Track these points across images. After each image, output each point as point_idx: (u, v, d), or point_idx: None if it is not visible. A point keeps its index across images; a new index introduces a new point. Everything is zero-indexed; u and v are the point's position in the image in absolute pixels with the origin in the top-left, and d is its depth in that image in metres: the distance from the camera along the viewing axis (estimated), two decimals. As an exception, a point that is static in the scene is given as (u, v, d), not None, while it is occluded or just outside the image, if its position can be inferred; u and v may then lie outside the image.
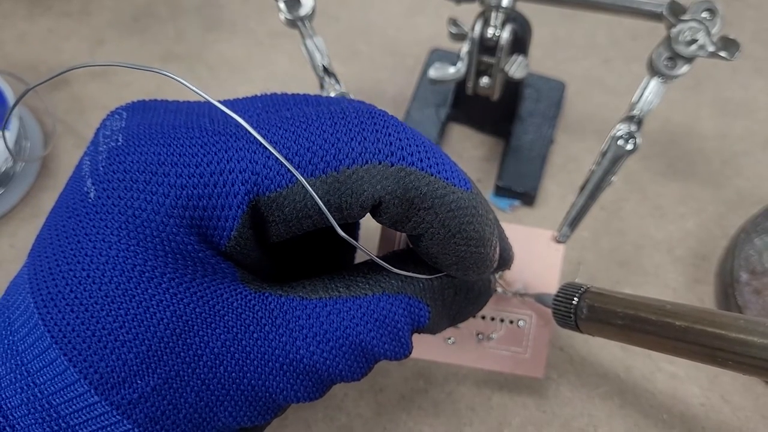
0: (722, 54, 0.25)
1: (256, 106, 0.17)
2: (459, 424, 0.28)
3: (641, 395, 0.28)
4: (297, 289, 0.19)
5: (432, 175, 0.17)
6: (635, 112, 0.26)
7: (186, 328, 0.17)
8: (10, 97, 0.33)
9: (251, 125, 0.16)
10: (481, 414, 0.28)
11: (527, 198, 0.33)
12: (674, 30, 0.25)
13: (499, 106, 0.32)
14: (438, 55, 0.36)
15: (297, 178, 0.16)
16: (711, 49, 0.25)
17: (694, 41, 0.25)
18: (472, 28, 0.28)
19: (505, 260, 0.22)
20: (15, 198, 0.33)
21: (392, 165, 0.17)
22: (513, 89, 0.32)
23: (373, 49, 0.38)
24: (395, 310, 0.19)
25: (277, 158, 0.16)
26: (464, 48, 0.28)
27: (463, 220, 0.18)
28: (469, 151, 0.35)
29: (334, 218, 0.17)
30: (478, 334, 0.25)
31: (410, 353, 0.20)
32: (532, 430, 0.28)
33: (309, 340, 0.18)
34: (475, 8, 0.28)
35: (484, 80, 0.30)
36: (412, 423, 0.27)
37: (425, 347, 0.25)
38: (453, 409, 0.28)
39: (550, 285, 0.25)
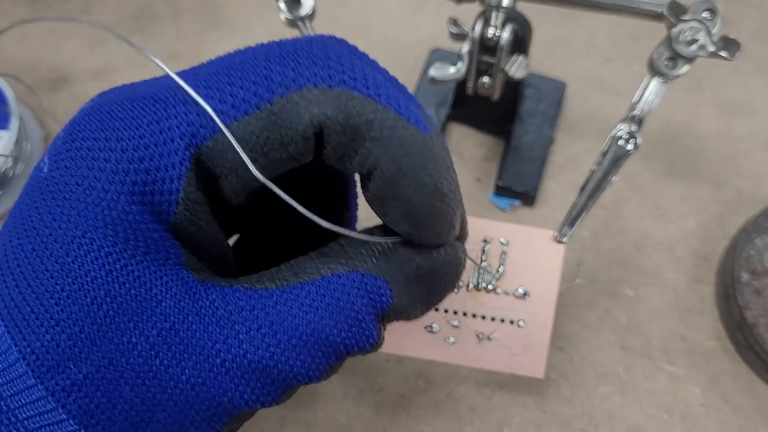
0: (723, 54, 0.25)
1: (218, 63, 0.17)
2: (459, 424, 0.27)
3: (642, 395, 0.28)
4: (242, 281, 0.17)
5: (380, 104, 0.16)
6: (636, 112, 0.26)
7: (120, 311, 0.16)
8: (11, 97, 0.33)
9: (195, 79, 0.16)
10: (482, 414, 0.28)
11: (528, 198, 0.33)
12: (675, 30, 0.25)
13: (499, 106, 0.32)
14: (438, 55, 0.36)
15: (231, 121, 0.15)
16: (711, 48, 0.25)
17: (694, 41, 0.25)
18: (473, 28, 0.28)
19: (464, 228, 0.20)
20: (15, 199, 0.33)
21: (330, 88, 0.16)
22: (513, 89, 0.32)
23: (374, 48, 0.37)
24: (348, 290, 0.17)
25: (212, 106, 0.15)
26: (464, 48, 0.28)
27: (416, 161, 0.16)
28: (469, 150, 0.35)
29: (280, 156, 0.16)
30: (478, 334, 0.25)
31: (379, 341, 0.18)
32: (533, 430, 0.27)
33: (253, 334, 0.16)
34: (476, 8, 0.28)
35: (485, 80, 0.29)
36: (412, 423, 0.27)
37: (425, 347, 0.25)
38: (453, 409, 0.28)
39: (551, 285, 0.25)
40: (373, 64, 0.18)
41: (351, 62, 0.16)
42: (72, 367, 0.16)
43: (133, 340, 0.16)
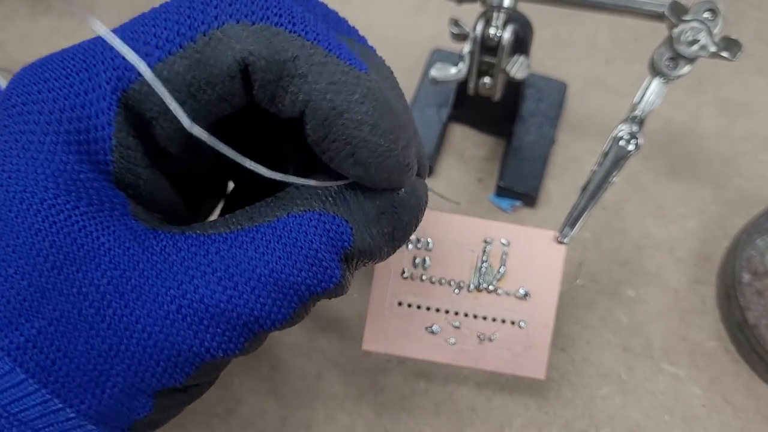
0: (724, 54, 0.25)
1: (147, 12, 0.17)
2: (460, 424, 0.27)
3: (643, 396, 0.28)
4: (195, 227, 0.17)
5: (306, 40, 0.16)
6: (637, 112, 0.26)
7: (68, 262, 0.15)
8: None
9: (122, 29, 0.16)
10: (483, 415, 0.28)
11: (529, 198, 0.33)
12: (676, 30, 0.25)
13: (500, 107, 0.32)
14: (439, 56, 0.36)
15: (156, 62, 0.15)
16: (713, 49, 0.25)
17: (695, 41, 0.25)
18: (474, 29, 0.28)
19: (423, 167, 0.19)
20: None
21: (253, 24, 0.15)
22: (514, 89, 0.32)
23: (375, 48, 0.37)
24: (306, 230, 0.17)
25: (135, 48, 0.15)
26: (466, 48, 0.28)
27: (351, 98, 0.16)
28: (470, 151, 0.35)
29: (209, 98, 0.16)
30: (479, 335, 0.25)
31: (343, 282, 0.18)
32: (534, 431, 0.27)
33: (209, 278, 0.16)
34: (477, 8, 0.28)
35: (486, 80, 0.29)
36: (413, 423, 0.27)
37: (426, 348, 0.25)
38: (454, 409, 0.28)
39: (552, 285, 0.25)
40: (307, 2, 0.18)
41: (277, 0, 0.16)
42: (24, 322, 0.15)
43: (84, 290, 0.16)
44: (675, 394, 0.28)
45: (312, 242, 0.17)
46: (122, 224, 0.16)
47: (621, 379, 0.28)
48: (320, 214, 0.17)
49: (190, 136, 0.17)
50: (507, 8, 0.27)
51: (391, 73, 0.19)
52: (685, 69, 0.26)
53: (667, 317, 0.30)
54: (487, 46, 0.28)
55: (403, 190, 0.18)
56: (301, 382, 0.28)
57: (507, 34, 0.27)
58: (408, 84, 0.35)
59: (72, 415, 0.16)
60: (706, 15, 0.25)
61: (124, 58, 0.15)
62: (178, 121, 0.16)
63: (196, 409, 0.27)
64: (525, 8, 0.29)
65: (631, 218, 0.32)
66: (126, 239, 0.16)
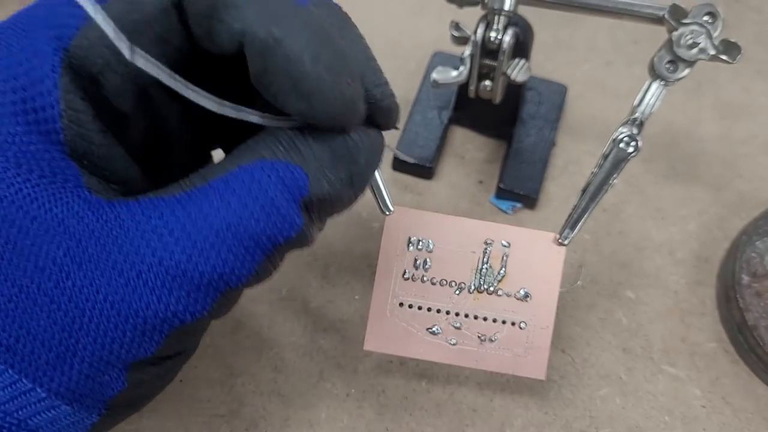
0: (724, 57, 0.25)
1: None
2: (461, 425, 0.28)
3: (643, 397, 0.28)
4: (148, 194, 0.17)
5: None
6: (636, 115, 0.26)
7: (21, 236, 0.15)
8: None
9: None
10: (483, 415, 0.28)
11: (529, 200, 0.33)
12: (676, 33, 0.25)
13: (501, 109, 0.32)
14: (440, 59, 0.36)
15: (86, 11, 0.14)
16: (712, 52, 0.25)
17: (695, 44, 0.25)
18: (475, 32, 0.28)
19: (385, 111, 0.19)
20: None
21: None
22: (515, 92, 0.32)
23: (376, 52, 0.38)
24: (259, 178, 0.16)
25: (72, 2, 0.15)
26: (466, 51, 0.28)
27: (290, 28, 0.16)
28: (471, 153, 0.35)
29: (149, 39, 0.16)
30: (480, 336, 0.25)
31: (305, 229, 0.17)
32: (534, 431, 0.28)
33: (166, 240, 0.16)
34: (478, 12, 0.28)
35: (486, 83, 0.30)
36: (414, 424, 0.28)
37: (427, 348, 0.25)
38: (455, 410, 0.28)
39: (552, 287, 0.25)
40: None
41: None
42: None
43: (40, 263, 0.15)
44: (675, 395, 0.28)
45: (267, 191, 0.16)
46: (76, 195, 0.16)
47: (621, 380, 0.29)
48: (272, 162, 0.17)
49: (142, 93, 0.16)
50: (507, 12, 0.27)
51: (344, 14, 0.19)
52: (685, 72, 0.26)
53: (667, 318, 0.30)
54: (488, 50, 0.28)
55: (356, 134, 0.18)
56: (304, 382, 0.28)
57: (508, 38, 0.28)
58: (409, 86, 0.36)
59: (43, 394, 0.16)
60: (706, 18, 0.25)
61: (60, 15, 0.15)
62: (126, 70, 0.15)
63: (199, 411, 0.28)
64: (525, 11, 0.29)
65: (631, 220, 0.33)
66: (80, 209, 0.16)
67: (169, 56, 0.17)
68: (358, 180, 0.19)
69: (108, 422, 0.18)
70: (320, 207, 0.18)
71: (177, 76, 0.15)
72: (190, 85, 0.16)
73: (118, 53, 0.15)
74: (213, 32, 0.16)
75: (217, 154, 0.23)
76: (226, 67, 0.19)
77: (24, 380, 0.16)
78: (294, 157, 0.17)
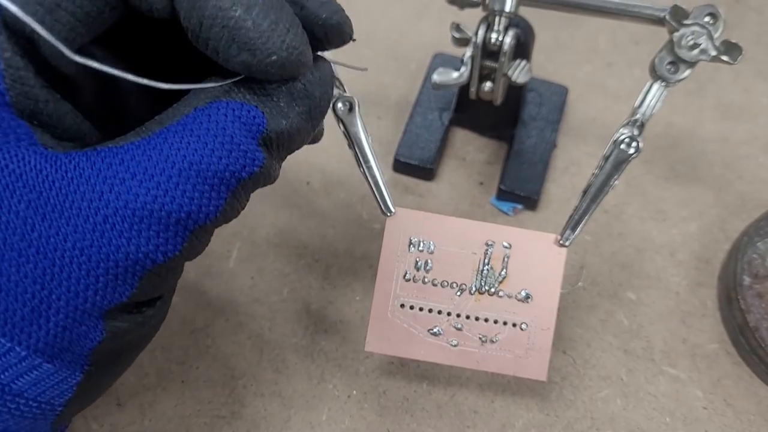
0: (725, 58, 0.25)
1: None
2: (462, 426, 0.28)
3: (644, 398, 0.28)
4: (107, 144, 0.17)
5: None
6: (637, 116, 0.26)
7: None
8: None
9: None
10: (485, 416, 0.28)
11: (530, 202, 0.33)
12: (677, 34, 0.25)
13: (501, 111, 0.32)
14: (441, 60, 0.36)
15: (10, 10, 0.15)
16: (713, 53, 0.25)
17: (696, 45, 0.25)
18: (476, 33, 0.28)
19: (336, 28, 0.18)
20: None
21: None
22: (516, 94, 0.32)
23: (377, 53, 0.38)
24: (216, 118, 0.17)
25: None
26: (467, 53, 0.28)
27: None
28: (472, 154, 0.35)
29: (74, 5, 0.16)
30: (481, 337, 0.25)
31: (267, 164, 0.18)
32: (535, 433, 0.28)
33: (129, 183, 0.16)
34: (479, 13, 0.28)
35: (487, 85, 0.30)
36: (415, 425, 0.28)
37: (428, 350, 0.25)
38: (456, 411, 0.28)
39: (553, 288, 0.25)
40: None
41: None
42: None
43: (3, 218, 0.15)
44: (676, 396, 0.28)
45: (225, 129, 0.17)
46: (31, 152, 0.16)
47: (622, 381, 0.29)
48: (227, 102, 0.17)
49: (85, 53, 0.16)
50: (508, 13, 0.27)
51: None
52: (686, 73, 0.26)
53: (668, 320, 0.30)
54: (489, 51, 0.28)
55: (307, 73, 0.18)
56: (305, 384, 0.28)
57: (508, 39, 0.28)
58: (410, 88, 0.36)
59: (23, 353, 0.16)
60: (707, 19, 0.25)
61: None
62: (62, 30, 0.15)
63: (201, 412, 0.28)
64: (526, 13, 0.29)
65: (632, 221, 0.33)
66: (37, 163, 0.16)
67: (106, 16, 0.17)
68: (317, 113, 0.19)
69: (93, 381, 0.18)
70: (279, 143, 0.18)
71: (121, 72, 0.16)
72: (124, 75, 0.16)
73: (51, 11, 0.15)
74: None
75: None
76: (168, 35, 0.20)
77: (1, 340, 0.16)
78: (248, 97, 0.17)
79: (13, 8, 0.15)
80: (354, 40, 0.20)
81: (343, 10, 0.19)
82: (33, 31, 0.15)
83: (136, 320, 0.18)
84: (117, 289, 0.17)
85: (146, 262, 0.17)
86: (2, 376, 0.16)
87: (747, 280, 0.29)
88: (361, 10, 0.39)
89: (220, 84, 0.17)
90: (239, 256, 0.31)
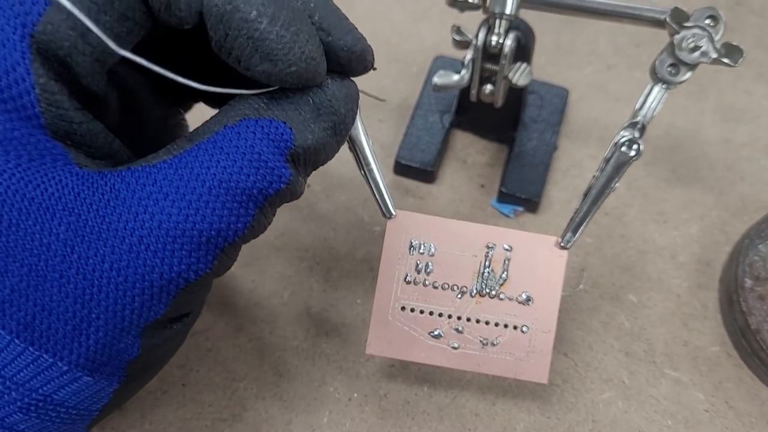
0: (726, 60, 0.25)
1: None
2: (463, 429, 0.28)
3: (645, 401, 0.28)
4: (139, 162, 0.17)
5: None
6: (638, 118, 0.26)
7: (23, 218, 0.16)
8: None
9: None
10: (486, 419, 0.28)
11: (531, 204, 0.33)
12: (677, 37, 0.26)
13: (502, 113, 0.32)
14: (442, 63, 0.36)
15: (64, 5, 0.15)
16: (714, 55, 0.25)
17: (697, 48, 0.25)
18: (476, 36, 0.28)
19: (360, 56, 0.19)
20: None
21: None
22: (516, 96, 0.32)
23: (378, 56, 0.38)
24: (245, 136, 0.17)
25: None
26: (468, 55, 0.28)
27: None
28: (472, 157, 0.35)
29: (113, 18, 0.16)
30: (482, 340, 0.25)
31: (294, 181, 0.18)
32: (537, 436, 0.28)
33: (162, 203, 0.17)
34: (479, 16, 0.28)
35: (488, 87, 0.30)
36: (416, 428, 0.28)
37: (429, 353, 0.25)
38: (457, 414, 0.28)
39: (554, 290, 0.25)
40: None
41: None
42: None
43: (45, 240, 0.16)
44: (677, 399, 0.28)
45: (254, 146, 0.17)
46: (67, 172, 0.16)
47: (623, 383, 0.29)
48: (256, 120, 0.17)
49: (112, 73, 0.17)
50: (509, 15, 0.27)
51: None
52: (687, 75, 0.26)
53: (670, 322, 0.30)
54: (490, 54, 0.28)
55: (333, 86, 0.19)
56: (306, 386, 0.28)
57: (509, 42, 0.28)
58: (411, 90, 0.36)
59: (65, 368, 0.17)
60: (708, 21, 0.25)
61: (22, 3, 0.15)
62: (94, 51, 0.16)
63: (202, 415, 0.28)
64: (527, 15, 0.29)
65: (633, 224, 0.33)
66: (74, 185, 0.16)
67: (134, 34, 0.17)
68: (340, 129, 0.19)
69: (127, 388, 0.19)
70: (306, 158, 0.19)
71: (160, 68, 0.16)
72: (168, 73, 0.16)
73: (82, 35, 0.16)
74: (172, 5, 0.17)
75: None
76: (189, 44, 0.20)
77: (45, 356, 0.16)
78: (277, 114, 0.18)
79: (69, 5, 0.15)
80: (375, 69, 0.21)
81: (365, 40, 0.20)
82: (66, 53, 0.16)
83: (169, 335, 0.19)
84: (152, 308, 0.17)
85: (179, 281, 0.17)
86: (45, 388, 0.17)
87: (748, 282, 0.29)
88: (362, 13, 0.39)
89: (254, 92, 0.18)
90: (240, 260, 0.31)
